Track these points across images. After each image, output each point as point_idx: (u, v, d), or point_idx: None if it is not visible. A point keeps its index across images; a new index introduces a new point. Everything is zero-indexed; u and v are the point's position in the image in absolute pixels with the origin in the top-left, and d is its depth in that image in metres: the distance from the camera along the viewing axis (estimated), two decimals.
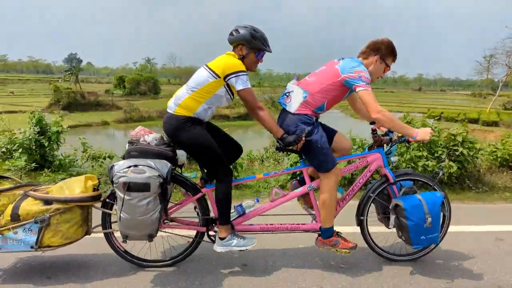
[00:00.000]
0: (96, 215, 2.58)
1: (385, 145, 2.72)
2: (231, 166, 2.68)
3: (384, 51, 2.50)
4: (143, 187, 2.19)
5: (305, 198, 2.81)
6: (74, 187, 2.46)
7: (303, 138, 2.40)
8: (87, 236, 2.58)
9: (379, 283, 2.49)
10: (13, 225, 2.31)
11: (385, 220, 2.74)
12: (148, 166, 2.24)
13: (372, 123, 2.71)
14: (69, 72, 41.73)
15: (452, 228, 2.83)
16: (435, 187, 2.70)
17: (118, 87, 44.39)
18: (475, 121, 26.54)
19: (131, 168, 2.22)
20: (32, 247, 2.34)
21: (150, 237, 2.36)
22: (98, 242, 2.75)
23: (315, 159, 2.52)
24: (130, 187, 2.18)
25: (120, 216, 2.25)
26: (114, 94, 34.59)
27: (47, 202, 2.37)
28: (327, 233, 2.58)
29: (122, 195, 2.20)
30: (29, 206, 2.35)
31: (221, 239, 2.51)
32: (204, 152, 2.46)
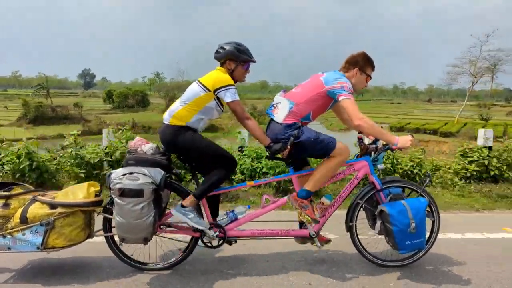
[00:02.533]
0: (99, 220, 2.77)
1: (372, 153, 2.82)
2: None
3: (361, 63, 2.66)
4: (137, 193, 2.36)
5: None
6: (78, 192, 2.66)
7: (288, 147, 2.54)
8: (89, 240, 2.76)
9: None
10: (22, 227, 2.52)
11: (374, 226, 2.81)
12: (142, 174, 2.41)
13: (360, 132, 2.83)
14: (39, 87, 42.84)
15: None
16: (422, 193, 2.76)
17: (107, 101, 45.67)
18: (434, 132, 28.84)
19: (126, 175, 2.40)
20: (38, 248, 2.53)
21: (145, 240, 2.52)
22: (100, 245, 2.92)
23: (316, 151, 2.63)
24: (124, 192, 2.36)
25: (116, 220, 2.43)
26: (93, 107, 35.06)
27: (53, 206, 2.57)
28: (303, 193, 2.65)
29: (118, 201, 2.38)
30: (37, 209, 2.56)
31: (183, 206, 2.62)
32: (204, 152, 2.63)
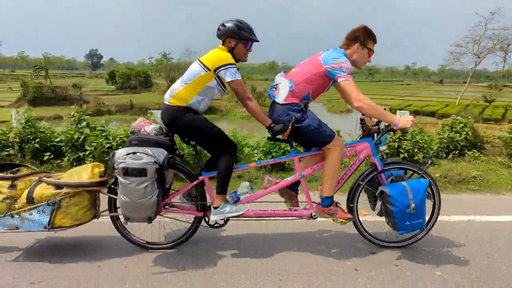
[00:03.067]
0: (104, 201, 2.82)
1: (375, 134, 2.82)
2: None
3: (362, 37, 2.63)
4: (140, 172, 2.39)
5: (291, 200, 2.94)
6: (82, 173, 2.70)
7: (290, 127, 2.54)
8: (95, 220, 2.82)
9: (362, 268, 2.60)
10: (29, 207, 2.58)
11: (375, 207, 2.84)
12: (145, 153, 2.44)
13: (363, 114, 2.82)
14: (38, 67, 42.56)
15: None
16: (423, 175, 2.78)
17: (110, 81, 45.40)
18: (432, 113, 28.03)
19: (130, 155, 2.43)
20: (45, 227, 2.59)
21: (149, 220, 2.57)
22: (106, 225, 2.99)
23: (314, 140, 2.66)
24: (128, 172, 2.39)
25: (121, 199, 2.47)
26: (97, 88, 34.62)
27: (58, 186, 2.62)
28: (326, 202, 2.70)
29: (122, 180, 2.42)
30: (43, 190, 2.61)
31: (215, 208, 2.69)
32: (204, 133, 2.65)
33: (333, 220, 2.69)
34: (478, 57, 27.42)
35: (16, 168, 2.86)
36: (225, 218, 2.78)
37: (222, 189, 2.70)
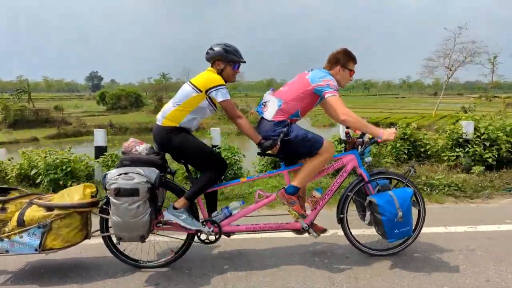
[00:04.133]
0: (96, 221, 2.81)
1: (359, 146, 2.93)
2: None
3: (342, 60, 2.78)
4: (132, 192, 2.42)
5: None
6: (74, 194, 2.71)
7: (278, 143, 2.63)
8: (87, 240, 2.81)
9: (359, 276, 2.65)
10: (19, 230, 2.56)
11: (364, 217, 2.92)
12: (137, 173, 2.48)
13: (348, 127, 2.93)
14: (20, 91, 42.55)
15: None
16: (407, 184, 2.88)
17: (100, 102, 45.67)
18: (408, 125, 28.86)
19: (122, 175, 2.46)
20: (36, 249, 2.57)
21: (142, 238, 2.58)
22: (98, 245, 2.97)
23: (304, 149, 2.73)
24: (120, 192, 2.42)
25: (113, 219, 2.48)
26: (89, 110, 34.50)
27: (49, 208, 2.61)
28: (292, 190, 2.74)
29: (114, 200, 2.44)
30: (33, 212, 2.60)
31: (174, 208, 2.70)
32: (195, 152, 2.70)
33: (288, 210, 2.74)
34: (450, 70, 28.65)
35: (6, 192, 2.84)
36: (217, 235, 2.80)
37: (191, 196, 2.72)
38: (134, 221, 2.47)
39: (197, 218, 2.81)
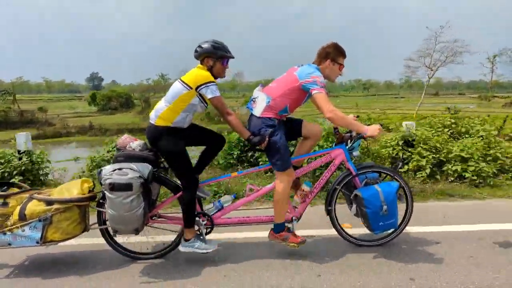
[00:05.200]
0: (94, 214, 2.94)
1: (349, 141, 3.00)
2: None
3: (332, 54, 2.81)
4: (126, 187, 2.53)
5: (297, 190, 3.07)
6: (72, 189, 2.83)
7: (267, 139, 2.71)
8: (85, 232, 2.94)
9: (345, 266, 2.76)
10: (21, 224, 2.69)
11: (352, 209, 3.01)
12: (130, 169, 2.58)
13: None
14: (4, 92, 42.86)
15: None
16: (395, 177, 2.96)
17: (92, 104, 46.25)
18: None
19: (116, 171, 2.57)
20: (37, 242, 2.70)
21: (137, 231, 2.70)
22: (96, 237, 3.10)
23: (273, 158, 2.80)
24: (114, 187, 2.53)
25: (109, 212, 2.61)
26: (87, 110, 34.77)
27: (49, 203, 2.74)
28: (278, 228, 2.86)
29: (109, 195, 2.55)
30: (34, 206, 2.72)
31: (186, 240, 2.84)
32: (175, 160, 2.80)
33: (286, 245, 2.85)
34: (431, 70, 28.14)
35: (6, 187, 2.97)
36: (210, 227, 2.92)
37: (189, 223, 2.84)
38: (128, 214, 2.58)
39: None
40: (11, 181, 4.38)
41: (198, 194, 2.96)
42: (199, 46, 2.80)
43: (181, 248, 2.84)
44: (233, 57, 2.88)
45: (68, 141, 22.71)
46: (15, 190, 2.92)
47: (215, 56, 2.78)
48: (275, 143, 2.74)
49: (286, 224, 2.91)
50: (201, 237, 2.88)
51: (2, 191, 2.87)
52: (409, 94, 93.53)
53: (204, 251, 2.82)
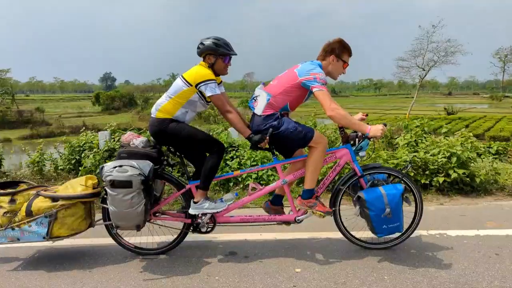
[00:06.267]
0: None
1: (357, 140, 2.89)
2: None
3: (337, 50, 2.72)
4: (126, 184, 2.55)
5: (274, 208, 3.06)
6: (77, 186, 2.88)
7: (267, 138, 2.66)
8: (91, 228, 2.99)
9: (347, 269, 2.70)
10: (28, 220, 2.76)
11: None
12: (130, 166, 2.60)
13: None
14: (3, 92, 43.82)
15: None
16: (403, 179, 2.85)
17: (96, 104, 47.19)
18: None
19: (116, 168, 2.59)
20: (44, 237, 2.77)
21: (138, 227, 2.73)
22: (102, 233, 3.16)
23: (295, 142, 2.75)
24: (114, 184, 2.55)
25: (110, 209, 2.64)
26: (91, 110, 35.60)
27: (54, 199, 2.80)
28: (307, 194, 2.79)
29: (109, 191, 2.58)
30: (40, 203, 2.79)
31: (195, 203, 2.82)
32: (192, 138, 2.77)
33: (312, 212, 2.78)
34: (423, 70, 26.96)
35: (16, 185, 3.05)
36: (212, 224, 2.91)
37: (204, 186, 2.83)
38: (129, 211, 2.60)
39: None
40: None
41: (226, 203, 2.90)
42: (201, 43, 2.77)
43: (191, 210, 2.83)
44: (235, 54, 2.83)
45: (59, 140, 23.66)
46: (24, 187, 3.00)
47: (216, 53, 2.75)
48: (286, 130, 2.69)
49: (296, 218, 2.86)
50: (210, 199, 2.88)
51: (12, 189, 2.95)
52: (422, 94, 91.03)
53: (214, 210, 2.82)
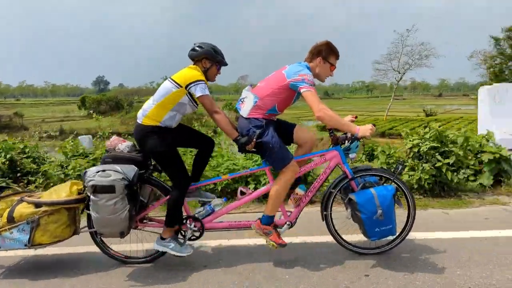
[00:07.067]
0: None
1: (345, 142, 2.84)
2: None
3: (324, 53, 2.70)
4: (108, 189, 2.48)
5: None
6: (61, 191, 2.79)
7: (254, 140, 2.60)
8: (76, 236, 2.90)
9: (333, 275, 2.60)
10: (9, 226, 2.68)
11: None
12: (113, 170, 2.53)
13: None
14: None
15: None
16: (394, 181, 2.78)
17: (82, 107, 47.12)
18: None
19: (99, 172, 2.52)
20: (25, 245, 2.68)
21: (122, 235, 2.64)
22: (87, 240, 3.07)
23: (270, 158, 2.70)
24: (97, 189, 2.48)
25: (93, 215, 2.56)
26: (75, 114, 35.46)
27: (37, 205, 2.72)
28: (266, 220, 2.71)
29: (92, 197, 2.51)
30: (23, 209, 2.70)
31: (162, 238, 2.75)
32: (166, 159, 2.73)
33: (266, 241, 2.71)
34: (399, 73, 27.52)
35: (1, 190, 2.98)
36: (200, 231, 2.83)
37: (170, 222, 2.75)
38: (112, 217, 2.53)
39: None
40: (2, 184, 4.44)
41: (203, 199, 2.89)
42: (199, 46, 2.75)
43: (154, 245, 2.75)
44: (227, 64, 2.86)
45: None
46: (9, 192, 2.93)
47: (214, 59, 2.76)
48: (267, 143, 2.63)
49: (276, 227, 2.78)
50: (179, 240, 2.79)
51: None
52: (412, 95, 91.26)
53: (178, 254, 2.73)
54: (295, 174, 2.72)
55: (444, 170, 4.26)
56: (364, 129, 2.54)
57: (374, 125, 2.64)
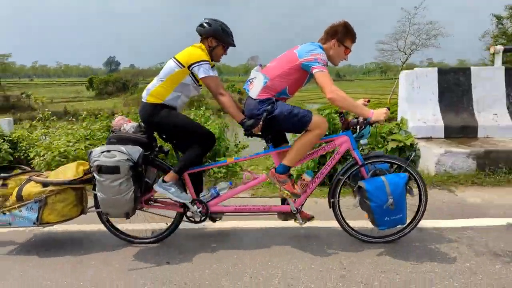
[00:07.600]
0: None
1: (358, 127, 2.72)
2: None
3: (340, 35, 2.55)
4: (113, 170, 2.46)
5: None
6: (68, 171, 2.82)
7: (261, 123, 2.52)
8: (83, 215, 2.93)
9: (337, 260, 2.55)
10: (18, 205, 2.72)
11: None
12: (118, 151, 2.50)
13: None
14: None
15: None
16: (407, 168, 2.67)
17: (90, 88, 46.83)
18: None
19: (104, 153, 2.51)
20: (34, 223, 2.73)
21: (127, 215, 2.64)
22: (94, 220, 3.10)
23: (291, 126, 2.59)
24: (102, 169, 2.47)
25: (98, 195, 2.56)
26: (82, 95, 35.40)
27: (45, 184, 2.75)
28: (282, 169, 2.63)
29: (97, 177, 2.50)
30: (31, 188, 2.74)
31: (164, 181, 2.70)
32: (180, 127, 2.67)
33: (280, 189, 2.63)
34: (405, 53, 25.55)
35: (11, 169, 3.02)
36: (204, 214, 2.80)
37: (179, 171, 2.70)
38: (116, 198, 2.52)
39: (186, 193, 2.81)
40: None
41: (219, 192, 2.81)
42: (208, 23, 2.65)
43: (155, 187, 2.71)
44: (235, 45, 2.75)
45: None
46: (18, 171, 2.97)
47: (221, 39, 2.65)
48: (281, 114, 2.52)
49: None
50: (180, 187, 2.75)
51: (6, 173, 2.92)
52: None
53: (177, 199, 2.68)
54: (323, 130, 2.57)
55: None
56: (378, 113, 2.42)
57: (389, 108, 2.50)
